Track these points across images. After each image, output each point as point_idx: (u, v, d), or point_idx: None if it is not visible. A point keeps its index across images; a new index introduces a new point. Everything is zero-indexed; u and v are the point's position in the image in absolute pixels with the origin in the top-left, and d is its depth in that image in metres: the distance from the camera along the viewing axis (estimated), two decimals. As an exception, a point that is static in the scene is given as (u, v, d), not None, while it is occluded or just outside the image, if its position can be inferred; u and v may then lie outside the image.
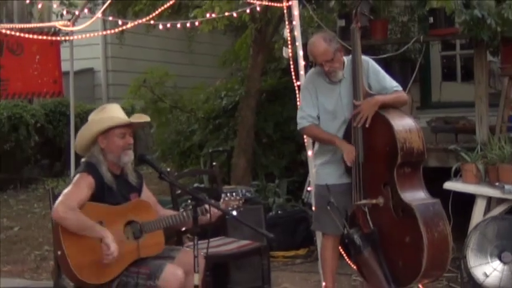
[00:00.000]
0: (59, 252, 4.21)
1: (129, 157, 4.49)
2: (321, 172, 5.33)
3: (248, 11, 6.22)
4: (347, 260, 5.95)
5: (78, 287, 4.36)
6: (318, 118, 5.21)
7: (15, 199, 9.98)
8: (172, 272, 4.25)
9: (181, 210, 4.89)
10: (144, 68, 10.97)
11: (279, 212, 7.54)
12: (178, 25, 6.65)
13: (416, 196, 4.94)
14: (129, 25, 6.79)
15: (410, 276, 4.88)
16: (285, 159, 8.63)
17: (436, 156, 7.08)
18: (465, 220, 6.16)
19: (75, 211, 4.19)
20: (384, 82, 5.16)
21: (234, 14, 6.22)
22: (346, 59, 5.20)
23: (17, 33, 6.63)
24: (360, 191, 4.98)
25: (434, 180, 6.06)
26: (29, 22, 10.76)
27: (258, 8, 6.09)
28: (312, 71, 5.41)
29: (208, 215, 4.46)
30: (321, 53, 5.05)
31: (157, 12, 6.54)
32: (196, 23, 6.88)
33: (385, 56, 7.19)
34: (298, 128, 5.34)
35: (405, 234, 4.82)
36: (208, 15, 6.42)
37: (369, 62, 5.22)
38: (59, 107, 11.36)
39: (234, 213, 4.61)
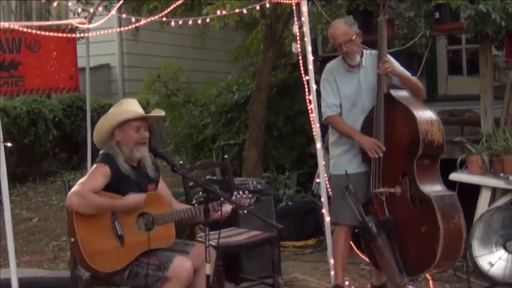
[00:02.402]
0: (72, 240, 4.35)
1: (141, 153, 4.61)
2: (340, 162, 5.45)
3: (258, 7, 6.35)
4: (355, 249, 6.12)
5: (93, 276, 4.54)
6: (341, 106, 5.40)
7: (34, 191, 10.21)
8: (181, 263, 4.36)
9: (194, 202, 5.05)
10: (159, 64, 11.15)
11: (289, 203, 7.71)
12: (190, 22, 6.78)
13: (434, 188, 5.08)
14: (142, 22, 6.95)
15: (423, 265, 5.02)
16: (296, 151, 8.79)
17: (443, 148, 7.20)
18: (471, 211, 6.30)
19: (87, 195, 4.31)
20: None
21: (244, 11, 6.38)
22: (366, 51, 5.41)
23: (34, 31, 6.80)
24: (379, 179, 5.11)
25: (440, 171, 6.22)
26: (47, 20, 10.93)
27: (267, 5, 6.24)
28: (330, 63, 5.59)
29: (221, 210, 4.56)
30: (341, 34, 5.27)
31: (170, 9, 6.69)
32: (208, 20, 7.03)
33: (392, 50, 7.32)
34: (324, 117, 5.49)
35: (421, 224, 4.96)
36: (218, 12, 6.57)
37: (394, 61, 5.41)
38: (76, 102, 11.57)
39: (249, 209, 4.72)
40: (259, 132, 8.43)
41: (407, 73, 5.36)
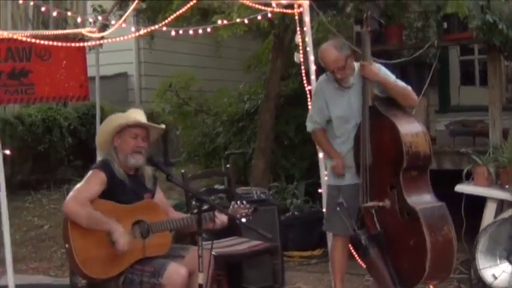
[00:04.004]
0: (67, 246, 4.40)
1: (136, 160, 4.62)
2: (332, 173, 5.48)
3: (260, 17, 6.37)
4: (359, 260, 6.09)
5: (89, 283, 4.58)
6: (328, 122, 5.39)
7: (48, 198, 10.28)
8: (175, 270, 4.39)
9: (189, 213, 5.07)
10: (175, 73, 11.21)
11: (296, 213, 7.71)
12: (200, 31, 6.84)
13: (421, 200, 5.03)
14: (146, 30, 6.97)
15: (414, 277, 4.99)
16: (306, 161, 8.76)
17: (451, 159, 7.18)
18: (478, 222, 6.25)
19: (85, 206, 4.36)
20: None
21: (246, 21, 6.41)
22: (357, 64, 5.32)
23: (44, 41, 6.87)
24: (367, 193, 5.09)
25: (448, 182, 6.19)
26: (64, 29, 11.04)
27: (269, 15, 6.26)
28: (321, 77, 5.53)
29: (214, 221, 4.61)
30: (333, 61, 5.18)
31: (174, 15, 6.69)
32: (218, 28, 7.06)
33: (400, 60, 7.31)
34: (307, 130, 5.57)
35: (410, 237, 4.93)
36: (220, 21, 6.60)
37: (380, 68, 5.30)
38: (92, 110, 11.60)
39: (243, 220, 4.72)
40: (267, 142, 8.44)
41: (393, 80, 5.21)
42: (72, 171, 11.60)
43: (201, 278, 4.22)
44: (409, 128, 5.06)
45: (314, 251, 7.43)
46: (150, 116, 12.15)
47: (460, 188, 6.32)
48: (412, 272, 4.97)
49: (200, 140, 10.18)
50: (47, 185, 10.87)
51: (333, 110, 5.33)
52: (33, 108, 11.04)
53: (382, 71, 5.26)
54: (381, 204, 5.05)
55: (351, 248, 5.56)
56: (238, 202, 4.82)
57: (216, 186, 7.69)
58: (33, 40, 6.61)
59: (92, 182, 4.53)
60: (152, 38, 10.42)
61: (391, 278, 5.03)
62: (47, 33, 7.52)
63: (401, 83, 5.25)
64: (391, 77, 5.27)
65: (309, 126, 5.50)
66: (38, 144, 10.97)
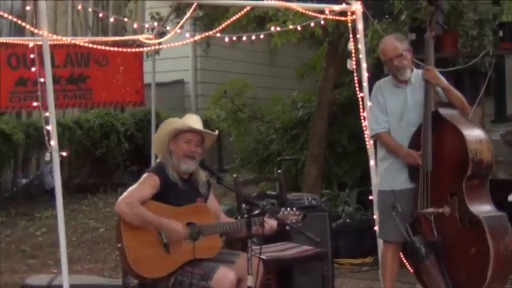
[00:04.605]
0: (119, 245, 4.50)
1: (187, 166, 4.69)
2: (386, 177, 5.47)
3: (313, 24, 6.42)
4: (409, 268, 6.07)
5: (140, 283, 4.69)
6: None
7: (104, 202, 10.49)
8: (224, 274, 4.44)
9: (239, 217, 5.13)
10: (231, 80, 11.33)
11: (347, 220, 7.73)
12: (253, 37, 6.93)
13: (483, 208, 5.02)
14: (200, 36, 7.06)
15: (474, 286, 4.94)
16: (360, 169, 8.76)
17: (506, 168, 7.11)
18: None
19: (135, 206, 4.46)
20: None
21: (299, 28, 6.47)
22: (417, 70, 5.42)
23: (102, 47, 7.04)
24: (427, 199, 5.06)
25: (499, 192, 6.12)
26: (123, 35, 11.26)
27: (322, 22, 6.30)
28: (379, 81, 5.62)
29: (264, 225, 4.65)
30: (391, 49, 5.33)
31: (226, 23, 6.78)
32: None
33: (454, 68, 7.27)
34: (372, 133, 5.58)
35: (471, 245, 4.90)
36: (273, 28, 6.67)
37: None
38: (148, 116, 11.73)
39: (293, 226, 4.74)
40: (319, 149, 8.47)
41: (452, 88, 5.29)
42: (128, 176, 11.80)
43: (250, 281, 4.27)
44: (474, 135, 5.06)
45: (365, 258, 7.43)
46: (205, 123, 12.32)
47: (513, 198, 6.25)
48: (471, 281, 4.94)
49: (254, 147, 10.26)
50: (104, 188, 11.08)
51: (390, 106, 5.39)
52: (91, 114, 11.30)
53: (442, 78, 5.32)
54: (440, 210, 5.02)
55: (402, 256, 5.55)
56: (289, 208, 4.85)
57: (268, 192, 7.75)
58: (91, 45, 6.79)
59: (145, 184, 4.64)
60: (208, 45, 10.57)
61: (446, 286, 4.99)
62: (105, 39, 7.74)
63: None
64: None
65: (375, 129, 5.47)
66: (95, 149, 11.23)
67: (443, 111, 5.16)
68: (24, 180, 10.53)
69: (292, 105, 10.27)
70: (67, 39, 6.96)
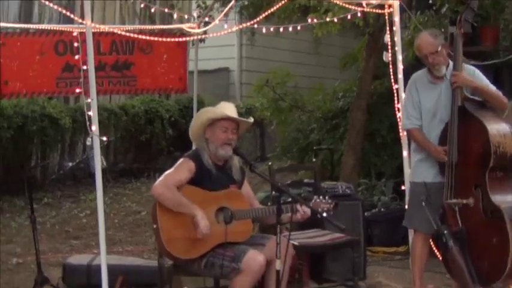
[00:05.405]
0: (155, 226, 4.70)
1: (225, 152, 4.86)
2: (418, 169, 5.57)
3: (349, 16, 6.51)
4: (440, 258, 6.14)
5: (174, 265, 4.87)
6: (421, 117, 5.51)
7: (147, 187, 10.69)
8: (253, 256, 4.60)
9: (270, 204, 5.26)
10: (275, 68, 11.44)
11: (382, 209, 7.81)
12: (290, 29, 7.04)
13: (506, 199, 5.07)
14: (241, 26, 7.18)
15: (494, 275, 5.03)
16: (397, 160, 8.78)
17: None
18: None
19: (171, 189, 4.66)
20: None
21: (335, 20, 6.56)
22: (452, 63, 5.45)
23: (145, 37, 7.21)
24: (452, 190, 5.16)
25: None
26: (170, 23, 11.46)
27: (359, 14, 6.39)
28: (414, 74, 5.69)
29: (295, 213, 4.76)
30: (427, 45, 5.38)
31: (267, 12, 6.86)
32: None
33: (493, 62, 7.27)
34: (404, 128, 5.70)
35: (492, 235, 4.98)
36: (310, 20, 6.77)
37: (475, 71, 5.46)
38: (192, 103, 12.02)
39: (324, 215, 4.84)
40: (357, 139, 8.55)
41: (486, 86, 5.33)
42: (171, 161, 11.82)
43: (278, 264, 4.39)
44: (498, 129, 5.12)
45: (399, 247, 7.48)
46: (249, 111, 12.51)
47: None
48: (492, 269, 5.00)
49: (294, 136, 10.36)
50: (147, 173, 11.31)
51: (424, 102, 5.46)
52: (136, 100, 11.54)
53: (476, 74, 5.39)
54: (464, 201, 5.11)
55: (433, 246, 5.63)
56: (321, 197, 4.96)
57: (306, 180, 7.88)
58: (134, 35, 6.97)
59: (181, 169, 4.83)
60: (253, 34, 10.72)
61: (470, 275, 5.04)
62: (149, 27, 7.92)
63: (492, 87, 5.36)
64: (483, 81, 5.38)
65: (406, 124, 5.58)
66: (140, 134, 11.49)
67: (469, 106, 5.23)
68: (70, 164, 10.79)
69: (333, 95, 10.36)
70: (110, 28, 7.12)
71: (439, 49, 5.35)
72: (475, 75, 5.41)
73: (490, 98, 5.28)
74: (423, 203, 5.20)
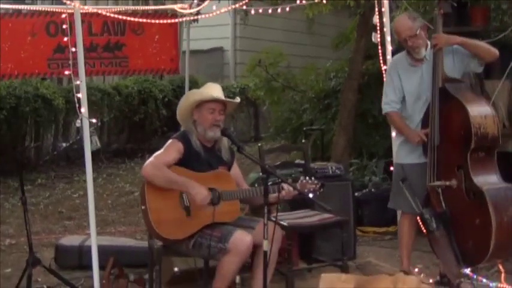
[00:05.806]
0: (143, 207, 4.76)
1: (214, 133, 4.90)
2: (400, 151, 5.63)
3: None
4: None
5: (163, 245, 4.92)
6: (404, 99, 5.52)
7: (140, 167, 10.71)
8: (240, 237, 4.65)
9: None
10: (268, 48, 11.43)
11: (373, 190, 7.86)
12: (279, 10, 7.02)
13: (488, 180, 5.08)
14: (234, 6, 7.16)
15: (478, 256, 5.05)
16: (389, 140, 8.79)
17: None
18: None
19: (162, 168, 4.72)
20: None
21: (324, 1, 6.56)
22: (430, 43, 5.43)
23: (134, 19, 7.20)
24: (434, 172, 5.17)
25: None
26: (163, 4, 11.40)
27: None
28: (394, 57, 5.71)
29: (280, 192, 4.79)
30: (405, 29, 5.34)
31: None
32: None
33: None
34: (383, 112, 5.69)
35: (475, 216, 5.00)
36: (299, 1, 6.76)
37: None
38: (186, 83, 12.05)
39: (310, 195, 4.88)
40: (348, 119, 8.58)
41: (471, 40, 5.32)
42: (165, 141, 11.86)
43: (265, 245, 4.40)
44: (479, 110, 5.11)
45: (389, 227, 7.52)
46: (243, 91, 12.52)
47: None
48: (477, 250, 5.04)
49: (287, 116, 10.40)
50: (141, 153, 11.35)
51: (406, 86, 5.47)
52: (130, 80, 11.57)
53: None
54: (447, 183, 5.12)
55: (421, 225, 5.68)
56: (307, 177, 4.99)
57: (296, 161, 7.90)
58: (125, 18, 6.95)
59: (170, 149, 4.90)
60: (246, 13, 10.68)
61: (456, 256, 5.11)
62: (140, 8, 7.90)
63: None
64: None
65: (385, 108, 5.59)
66: (133, 114, 11.53)
67: (450, 87, 5.22)
68: (64, 144, 10.83)
69: (325, 75, 10.37)
70: (98, 10, 7.10)
71: (418, 32, 5.33)
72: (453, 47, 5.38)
73: (478, 49, 5.29)
74: (401, 184, 5.28)
